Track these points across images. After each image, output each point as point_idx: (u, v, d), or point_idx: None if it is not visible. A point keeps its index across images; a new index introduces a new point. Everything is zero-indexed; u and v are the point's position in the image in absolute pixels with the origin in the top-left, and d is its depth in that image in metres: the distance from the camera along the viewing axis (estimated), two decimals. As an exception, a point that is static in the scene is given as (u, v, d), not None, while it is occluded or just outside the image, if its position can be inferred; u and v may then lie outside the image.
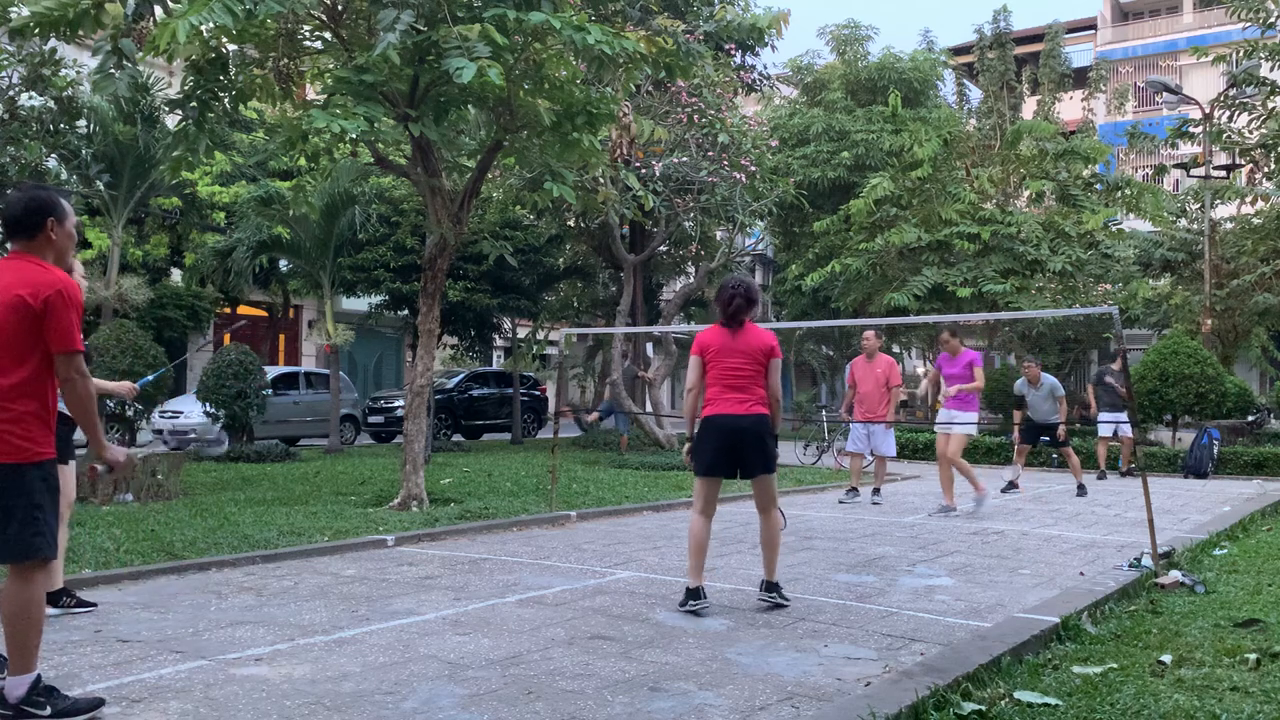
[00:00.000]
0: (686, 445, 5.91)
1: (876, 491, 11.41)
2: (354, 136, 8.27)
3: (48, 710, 3.56)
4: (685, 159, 16.76)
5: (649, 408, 19.94)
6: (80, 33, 7.83)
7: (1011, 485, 12.16)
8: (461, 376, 23.95)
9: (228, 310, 24.92)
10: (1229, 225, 22.78)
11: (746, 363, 5.64)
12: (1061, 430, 12.25)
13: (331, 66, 9.50)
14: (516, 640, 4.90)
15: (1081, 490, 12.12)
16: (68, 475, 5.14)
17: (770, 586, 5.73)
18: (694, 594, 5.52)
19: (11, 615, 3.55)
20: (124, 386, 5.79)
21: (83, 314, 3.67)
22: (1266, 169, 19.60)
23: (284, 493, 10.71)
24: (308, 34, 9.62)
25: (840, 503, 11.27)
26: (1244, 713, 3.80)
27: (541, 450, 18.47)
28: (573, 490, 11.34)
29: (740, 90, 19.75)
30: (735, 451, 5.62)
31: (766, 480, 5.71)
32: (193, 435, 17.38)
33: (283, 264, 22.22)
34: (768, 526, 5.78)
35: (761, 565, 5.82)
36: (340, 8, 9.11)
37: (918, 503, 11.47)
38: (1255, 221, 21.67)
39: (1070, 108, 29.61)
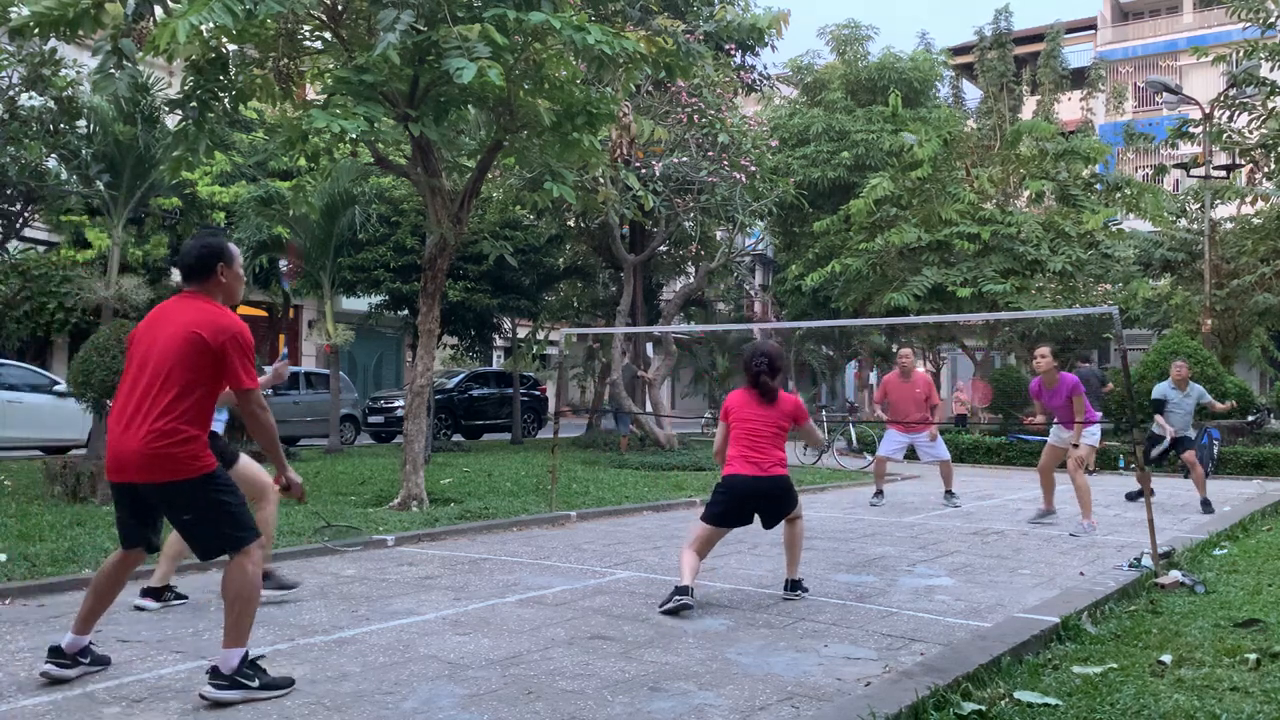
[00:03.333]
0: None
1: (949, 494, 11.19)
2: (354, 136, 8.26)
3: (256, 683, 3.92)
4: (685, 159, 16.75)
5: (649, 408, 19.92)
6: (80, 33, 7.82)
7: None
8: (461, 376, 23.94)
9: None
10: (1229, 225, 22.78)
11: (766, 425, 5.84)
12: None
13: (331, 66, 9.50)
14: (516, 640, 4.90)
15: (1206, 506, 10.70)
16: (253, 467, 5.69)
17: (794, 585, 6.02)
18: (682, 590, 5.51)
19: (233, 595, 3.97)
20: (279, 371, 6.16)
21: (253, 352, 4.11)
22: (1266, 169, 19.61)
23: (284, 493, 10.69)
24: (308, 34, 9.61)
25: (872, 505, 11.10)
26: (1244, 713, 3.79)
27: (541, 450, 18.46)
28: (573, 490, 11.34)
29: (740, 90, 19.74)
30: (751, 511, 5.86)
31: (790, 514, 6.02)
32: None
33: (283, 264, 22.21)
34: (791, 531, 6.04)
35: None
36: (340, 8, 9.11)
37: (918, 503, 11.48)
38: (1255, 221, 21.67)
39: (1070, 108, 29.62)
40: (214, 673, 3.90)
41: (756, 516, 5.93)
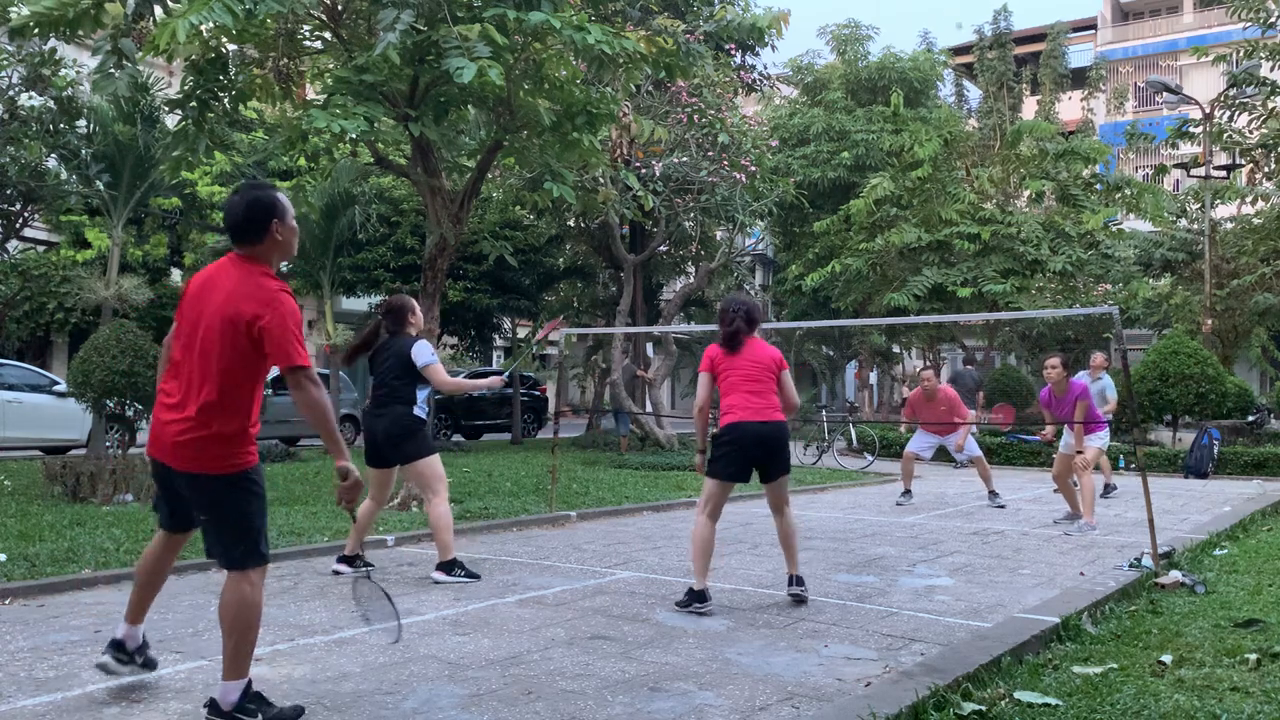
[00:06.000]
0: (699, 457, 6.07)
1: (992, 494, 11.05)
2: (354, 136, 8.27)
3: (259, 717, 3.53)
4: (685, 159, 16.75)
5: (649, 408, 19.92)
6: (80, 33, 7.84)
7: (1108, 487, 12.06)
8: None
9: None
10: (1229, 225, 22.78)
11: (760, 371, 5.73)
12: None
13: (331, 66, 9.51)
14: (516, 640, 4.89)
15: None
16: (435, 464, 6.31)
17: (798, 580, 5.90)
18: (699, 596, 5.50)
19: (230, 620, 3.55)
20: (491, 382, 6.88)
21: (301, 323, 3.59)
22: (1266, 169, 19.60)
23: (284, 493, 10.70)
24: (308, 34, 9.63)
25: (898, 504, 11.07)
26: (1244, 713, 3.79)
27: (542, 450, 18.46)
28: (573, 490, 11.34)
29: (740, 90, 19.75)
30: (761, 459, 5.73)
31: (783, 481, 5.85)
32: None
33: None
34: (785, 524, 5.93)
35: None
36: (340, 8, 9.12)
37: (918, 502, 11.47)
38: (1255, 221, 21.67)
39: (1070, 108, 29.63)
40: (212, 706, 3.56)
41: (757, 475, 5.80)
